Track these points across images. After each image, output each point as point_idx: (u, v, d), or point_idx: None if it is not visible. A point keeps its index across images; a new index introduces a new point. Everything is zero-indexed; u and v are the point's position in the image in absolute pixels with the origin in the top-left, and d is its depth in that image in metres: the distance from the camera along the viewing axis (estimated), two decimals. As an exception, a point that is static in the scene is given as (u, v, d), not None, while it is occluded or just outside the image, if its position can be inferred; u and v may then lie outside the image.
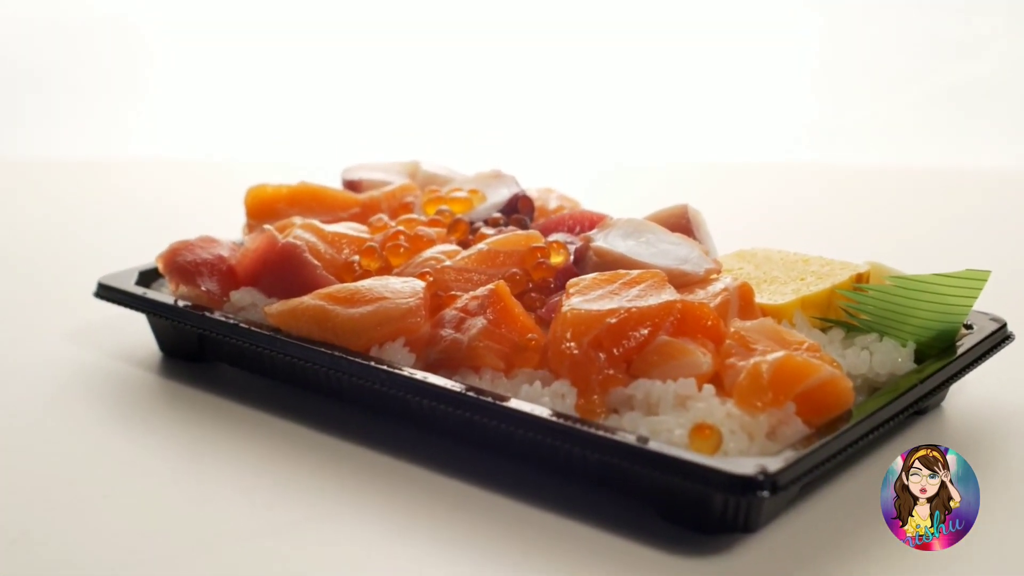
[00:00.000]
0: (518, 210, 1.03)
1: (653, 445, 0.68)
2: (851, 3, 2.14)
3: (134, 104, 2.27)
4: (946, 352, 0.82)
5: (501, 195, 1.05)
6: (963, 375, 0.82)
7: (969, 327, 0.86)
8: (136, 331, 1.04)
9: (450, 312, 0.83)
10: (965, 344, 0.83)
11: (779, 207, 1.63)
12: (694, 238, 0.95)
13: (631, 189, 1.75)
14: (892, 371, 0.80)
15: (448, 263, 0.90)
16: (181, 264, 0.95)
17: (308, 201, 1.06)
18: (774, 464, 0.66)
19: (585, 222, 1.00)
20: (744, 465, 0.66)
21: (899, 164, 1.88)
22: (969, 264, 0.85)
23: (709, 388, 0.73)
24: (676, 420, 0.71)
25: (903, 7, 2.06)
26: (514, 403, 0.74)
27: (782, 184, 1.80)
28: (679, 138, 2.11)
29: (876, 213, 1.60)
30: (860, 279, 0.87)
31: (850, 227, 1.51)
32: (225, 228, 1.22)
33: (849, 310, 0.84)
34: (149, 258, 1.02)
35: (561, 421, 0.72)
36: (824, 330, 0.85)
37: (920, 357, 0.82)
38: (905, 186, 1.75)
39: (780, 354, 0.73)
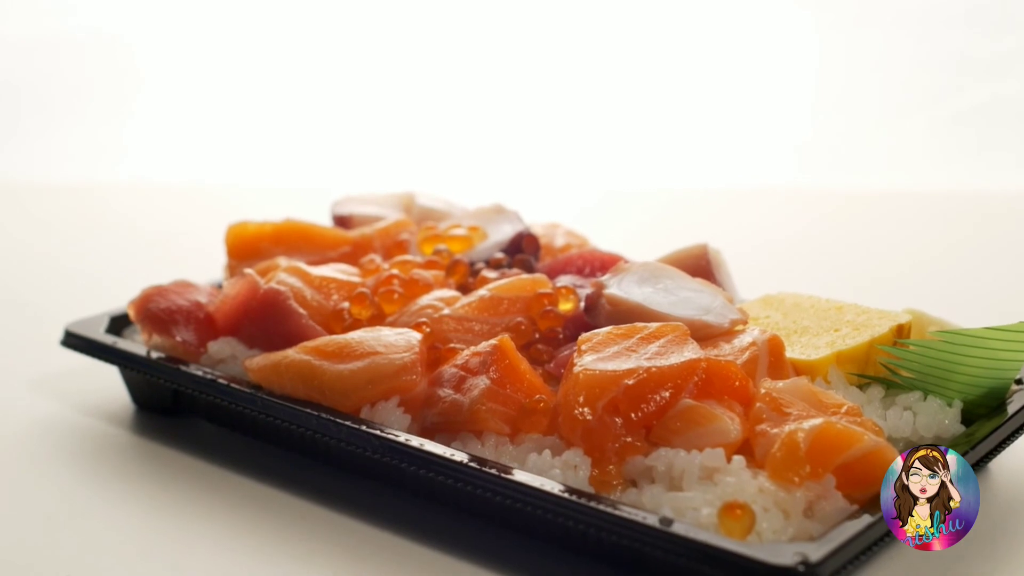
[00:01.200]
0: (522, 249, 0.95)
1: (678, 528, 0.62)
2: (867, 25, 2.07)
3: (116, 126, 2.19)
4: (997, 411, 0.75)
5: (504, 232, 0.97)
6: (1017, 437, 0.75)
7: (1020, 382, 0.79)
8: (106, 381, 0.97)
9: (449, 369, 0.75)
10: (1016, 402, 0.76)
11: (789, 235, 1.56)
12: (715, 282, 0.87)
13: (636, 217, 1.67)
14: (938, 434, 0.74)
15: (447, 311, 0.82)
16: (154, 312, 0.87)
17: (294, 240, 0.98)
18: (816, 552, 0.59)
19: (595, 262, 0.93)
20: (782, 553, 0.59)
21: (915, 188, 1.81)
22: (1005, 302, 0.78)
23: (739, 460, 0.66)
24: (703, 497, 0.64)
25: (927, 27, 1.99)
26: (520, 475, 0.67)
27: (791, 210, 1.72)
28: (682, 161, 2.05)
29: (895, 239, 1.52)
30: (901, 331, 0.79)
31: (871, 256, 1.43)
32: (209, 259, 1.15)
33: (890, 366, 0.76)
34: (123, 298, 0.95)
35: (573, 498, 0.65)
36: (862, 387, 0.77)
37: (967, 417, 0.75)
38: (926, 212, 1.67)
39: (818, 421, 0.66)
